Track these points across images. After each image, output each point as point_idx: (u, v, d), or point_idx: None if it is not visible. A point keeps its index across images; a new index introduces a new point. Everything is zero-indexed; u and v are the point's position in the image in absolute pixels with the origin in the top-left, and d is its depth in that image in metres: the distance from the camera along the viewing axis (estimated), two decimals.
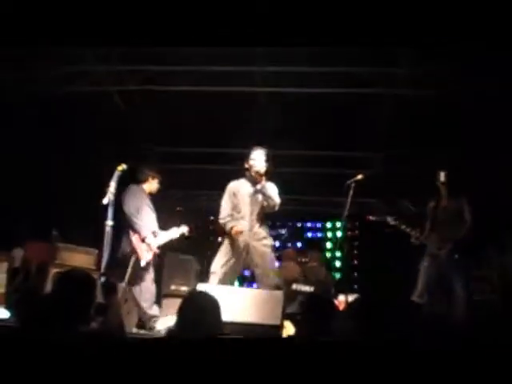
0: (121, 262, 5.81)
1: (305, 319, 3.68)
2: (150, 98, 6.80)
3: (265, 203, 5.59)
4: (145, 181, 6.21)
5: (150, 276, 5.96)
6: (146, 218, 5.96)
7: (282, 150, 7.70)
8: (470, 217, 5.64)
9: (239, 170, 5.78)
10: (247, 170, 5.65)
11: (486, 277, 7.19)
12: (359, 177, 5.47)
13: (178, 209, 8.88)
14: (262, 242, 5.58)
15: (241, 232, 5.49)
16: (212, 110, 6.79)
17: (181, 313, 2.89)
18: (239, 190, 5.69)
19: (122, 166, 5.30)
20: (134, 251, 5.82)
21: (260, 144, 5.66)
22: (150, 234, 5.91)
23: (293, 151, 7.88)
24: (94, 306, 3.11)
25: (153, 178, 6.23)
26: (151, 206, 6.10)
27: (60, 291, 2.99)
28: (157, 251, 5.97)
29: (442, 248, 5.62)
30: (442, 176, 5.73)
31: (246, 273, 8.00)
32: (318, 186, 8.50)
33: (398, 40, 4.23)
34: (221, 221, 5.72)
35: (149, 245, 5.86)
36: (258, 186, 5.59)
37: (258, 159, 5.54)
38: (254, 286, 6.47)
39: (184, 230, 6.23)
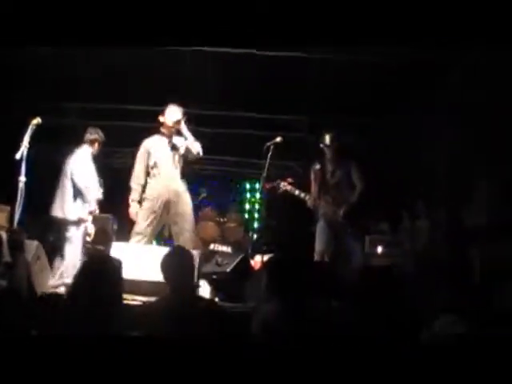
0: (64, 224, 5.72)
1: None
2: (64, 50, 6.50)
3: (186, 152, 5.55)
4: (92, 143, 5.90)
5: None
6: (94, 191, 5.80)
7: (205, 111, 7.65)
8: (362, 181, 5.69)
9: (153, 127, 5.70)
10: (162, 125, 5.59)
11: (398, 242, 7.54)
12: (278, 139, 5.53)
13: None
14: (181, 197, 5.57)
15: (134, 214, 5.52)
16: (131, 66, 6.59)
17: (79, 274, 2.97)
18: (155, 147, 5.62)
19: (37, 120, 5.14)
20: (82, 221, 5.69)
21: (181, 103, 5.61)
22: (97, 207, 5.81)
23: (216, 112, 7.82)
24: (1, 263, 3.04)
25: (99, 142, 5.94)
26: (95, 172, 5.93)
27: None
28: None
29: (336, 212, 5.68)
30: (327, 138, 5.74)
31: None
32: (239, 147, 8.51)
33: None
34: (131, 184, 5.68)
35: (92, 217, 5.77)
36: (175, 140, 5.56)
37: (174, 111, 5.54)
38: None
39: None
